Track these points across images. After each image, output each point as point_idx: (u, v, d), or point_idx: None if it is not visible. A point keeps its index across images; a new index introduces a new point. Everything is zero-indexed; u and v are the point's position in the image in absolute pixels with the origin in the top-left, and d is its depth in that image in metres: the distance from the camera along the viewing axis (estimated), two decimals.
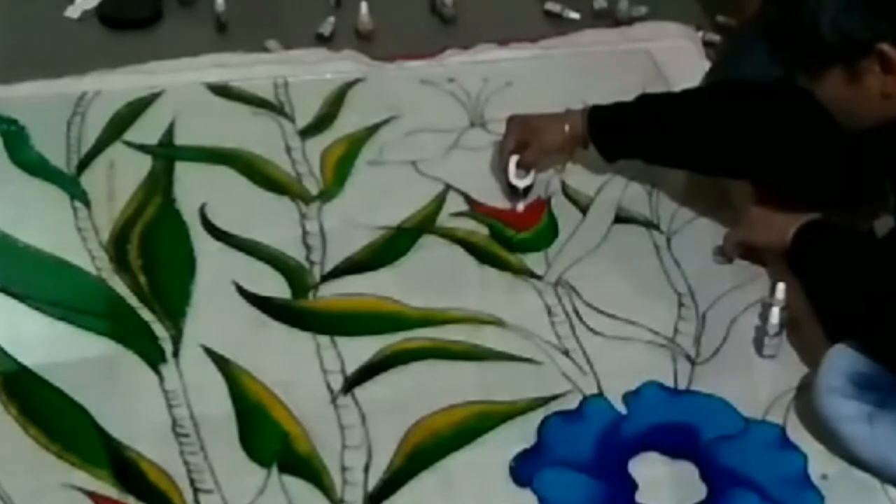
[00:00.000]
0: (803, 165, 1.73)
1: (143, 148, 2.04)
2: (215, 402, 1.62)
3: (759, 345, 1.70)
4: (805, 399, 1.61)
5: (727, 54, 2.13)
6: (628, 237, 1.89)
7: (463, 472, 1.55)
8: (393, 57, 2.26)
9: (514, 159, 1.90)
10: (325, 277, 1.81)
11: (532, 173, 1.91)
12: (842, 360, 1.53)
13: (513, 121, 1.93)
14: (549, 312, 1.76)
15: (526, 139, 1.90)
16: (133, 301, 1.76)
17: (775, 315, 1.68)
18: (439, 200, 1.94)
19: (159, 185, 1.97)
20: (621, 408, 1.62)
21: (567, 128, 1.88)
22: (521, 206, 1.93)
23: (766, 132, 1.73)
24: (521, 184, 1.91)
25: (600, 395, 1.64)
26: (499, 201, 1.94)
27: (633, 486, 1.52)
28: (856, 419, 1.50)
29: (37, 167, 2.00)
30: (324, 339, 1.71)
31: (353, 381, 1.65)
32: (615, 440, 1.58)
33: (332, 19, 2.36)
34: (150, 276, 1.80)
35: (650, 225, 1.90)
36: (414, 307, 1.76)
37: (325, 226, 1.90)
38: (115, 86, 2.16)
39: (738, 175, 1.86)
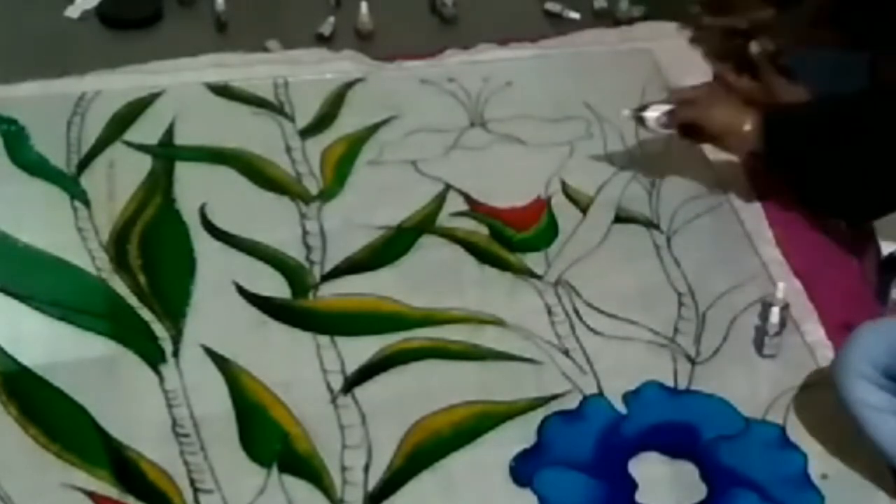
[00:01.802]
0: None
1: (143, 148, 2.04)
2: (215, 402, 1.62)
3: (759, 345, 1.70)
4: (805, 398, 1.62)
5: None
6: (628, 237, 1.89)
7: (463, 472, 1.54)
8: (393, 57, 2.26)
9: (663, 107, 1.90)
10: (325, 277, 1.81)
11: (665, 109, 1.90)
12: (873, 348, 1.49)
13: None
14: (549, 312, 1.76)
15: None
16: (133, 301, 1.76)
17: (775, 315, 1.68)
18: (439, 200, 1.94)
19: (159, 185, 1.97)
20: (621, 407, 1.62)
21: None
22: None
23: None
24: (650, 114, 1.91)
25: (600, 394, 1.64)
26: (499, 201, 1.94)
27: (633, 485, 1.52)
28: (884, 410, 1.47)
29: (37, 167, 2.00)
30: (324, 339, 1.71)
31: (353, 381, 1.65)
32: (615, 440, 1.58)
33: (332, 19, 2.35)
34: (150, 276, 1.80)
35: (650, 225, 1.90)
36: (414, 307, 1.75)
37: (325, 226, 1.90)
38: (115, 86, 2.16)
39: None
